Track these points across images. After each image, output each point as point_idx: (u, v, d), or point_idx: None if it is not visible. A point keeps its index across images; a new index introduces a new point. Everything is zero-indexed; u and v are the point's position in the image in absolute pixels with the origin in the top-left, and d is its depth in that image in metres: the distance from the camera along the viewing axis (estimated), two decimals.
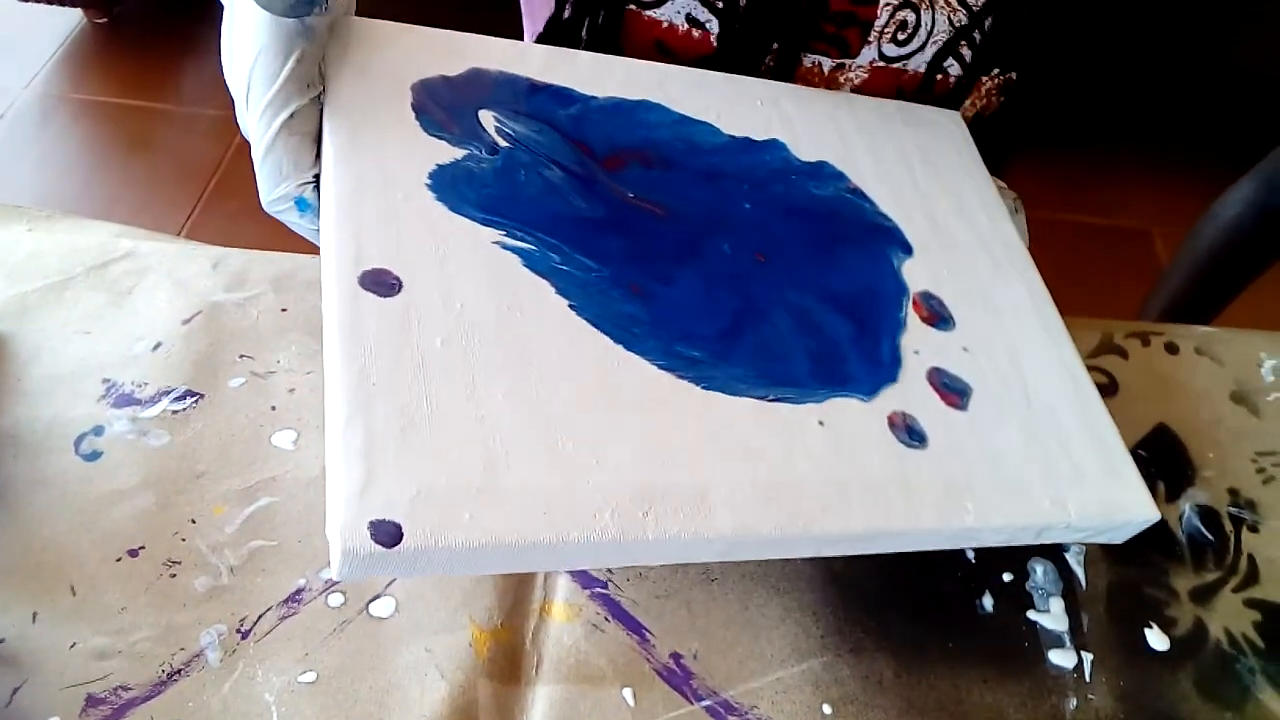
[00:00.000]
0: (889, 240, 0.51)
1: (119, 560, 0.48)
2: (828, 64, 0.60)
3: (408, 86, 0.46)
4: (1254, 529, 0.55)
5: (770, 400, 0.43)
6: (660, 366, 0.42)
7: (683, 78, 0.54)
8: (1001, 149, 0.69)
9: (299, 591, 0.48)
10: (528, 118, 0.48)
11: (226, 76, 0.42)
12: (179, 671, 0.45)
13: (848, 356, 0.46)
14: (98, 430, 0.53)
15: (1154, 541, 0.54)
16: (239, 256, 0.61)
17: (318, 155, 0.42)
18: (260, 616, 0.47)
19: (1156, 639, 0.50)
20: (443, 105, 0.46)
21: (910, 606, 0.50)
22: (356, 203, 0.41)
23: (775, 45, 0.58)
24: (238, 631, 0.46)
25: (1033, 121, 0.74)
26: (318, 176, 0.42)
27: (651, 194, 0.48)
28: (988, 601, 0.51)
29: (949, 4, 0.59)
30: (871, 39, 0.59)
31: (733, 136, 0.52)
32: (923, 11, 0.58)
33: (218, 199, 1.66)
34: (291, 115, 0.41)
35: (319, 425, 0.54)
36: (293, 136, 0.41)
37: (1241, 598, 0.52)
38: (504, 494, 0.35)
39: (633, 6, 0.58)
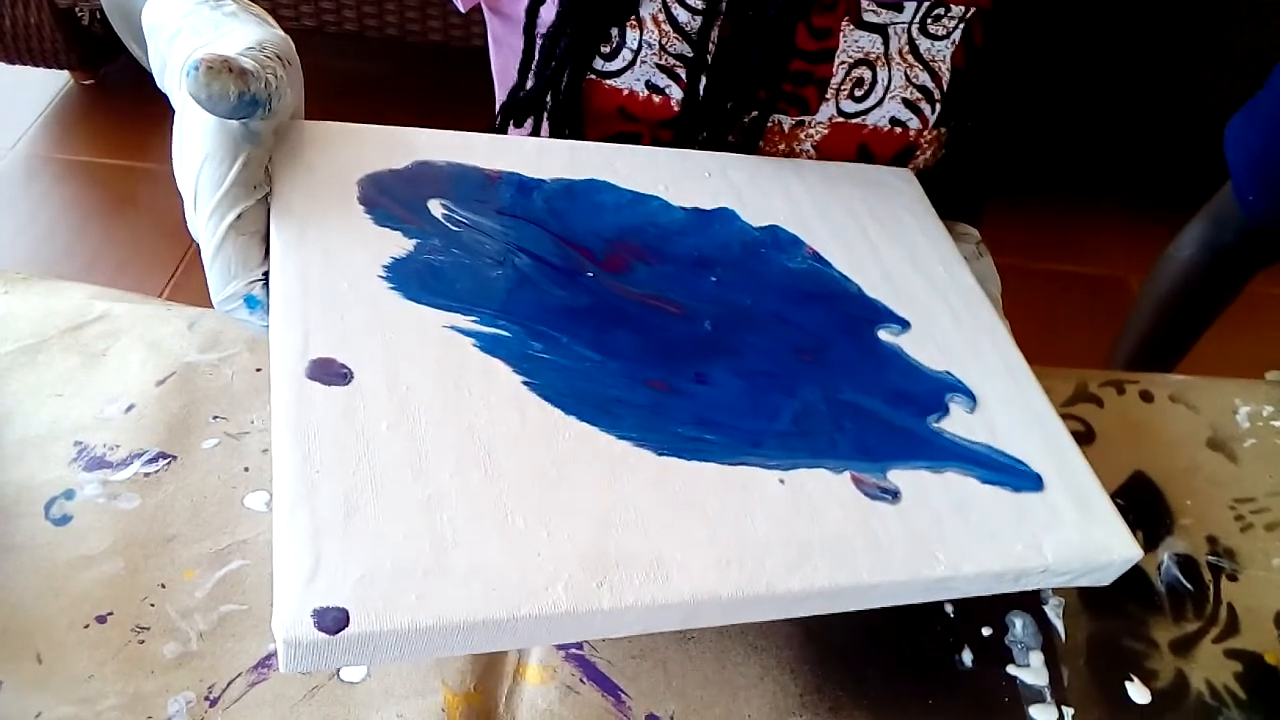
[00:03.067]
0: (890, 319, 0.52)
1: (87, 626, 0.47)
2: (788, 122, 0.61)
3: (354, 182, 0.46)
4: (1233, 578, 0.55)
5: (732, 465, 0.42)
6: (624, 436, 0.41)
7: (629, 155, 0.54)
8: (971, 196, 0.70)
9: (269, 657, 0.47)
10: (478, 203, 0.48)
11: (176, 179, 0.42)
12: None
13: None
14: (68, 494, 0.52)
15: (1133, 592, 0.54)
16: (214, 317, 0.61)
17: (267, 254, 0.43)
18: (229, 683, 0.46)
19: (1137, 692, 0.49)
20: (391, 197, 0.46)
21: (889, 663, 0.49)
22: (303, 294, 0.41)
23: (741, 106, 0.59)
24: (206, 699, 0.45)
25: (1005, 170, 0.75)
26: (267, 274, 0.42)
27: (664, 291, 0.48)
28: (967, 657, 0.50)
29: (905, 60, 0.60)
30: (829, 96, 0.60)
31: (684, 209, 0.53)
32: (879, 69, 0.59)
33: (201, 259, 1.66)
34: (239, 216, 0.41)
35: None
36: (240, 236, 0.42)
37: (1222, 648, 0.52)
38: (452, 573, 0.35)
39: (593, 76, 0.59)
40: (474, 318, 0.43)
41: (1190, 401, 0.63)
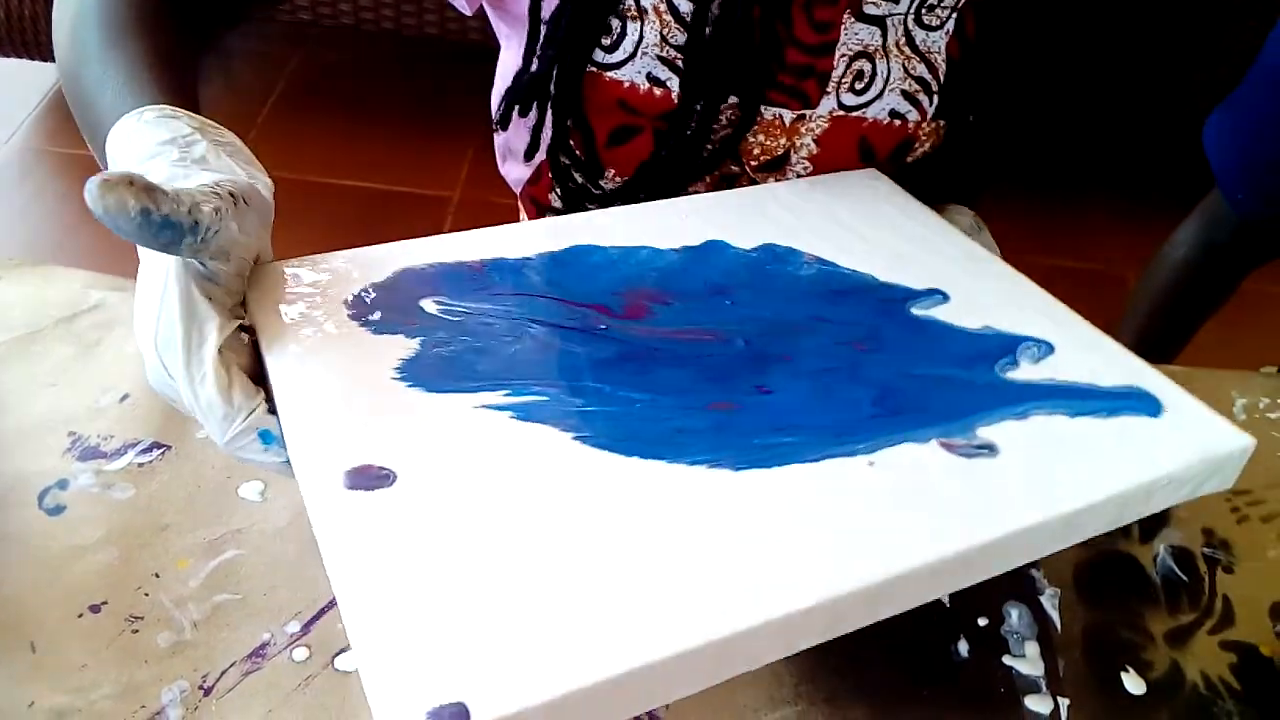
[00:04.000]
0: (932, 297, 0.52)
1: (80, 616, 0.47)
2: (789, 115, 0.60)
3: (340, 303, 0.45)
4: (1228, 570, 0.55)
5: (815, 462, 0.40)
6: (695, 464, 0.39)
7: (605, 217, 0.54)
8: (968, 186, 0.69)
9: (263, 646, 0.47)
10: (472, 292, 0.47)
11: (139, 341, 0.40)
12: None
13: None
14: (62, 484, 0.52)
15: (1128, 583, 0.54)
16: None
17: (261, 390, 0.40)
18: (223, 672, 0.46)
19: (1133, 683, 0.49)
20: (382, 307, 0.45)
21: (885, 653, 0.49)
22: (319, 411, 0.39)
23: (734, 99, 0.59)
24: (200, 688, 0.45)
25: (1004, 161, 0.75)
26: (272, 404, 0.39)
27: (690, 323, 0.47)
28: (963, 647, 0.50)
29: (903, 53, 0.60)
30: (830, 90, 0.60)
31: (674, 250, 0.52)
32: (878, 61, 0.59)
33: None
34: (219, 350, 0.39)
35: (288, 475, 0.53)
36: (227, 369, 0.39)
37: (1217, 640, 0.52)
38: (565, 641, 0.32)
39: (594, 69, 0.59)
40: (504, 391, 0.41)
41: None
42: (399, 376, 0.41)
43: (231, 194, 0.40)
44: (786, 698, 0.47)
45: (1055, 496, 0.40)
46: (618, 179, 0.63)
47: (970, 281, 0.52)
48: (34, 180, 1.81)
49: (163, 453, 0.54)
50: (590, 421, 0.40)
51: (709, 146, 0.61)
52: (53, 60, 1.92)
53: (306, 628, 0.48)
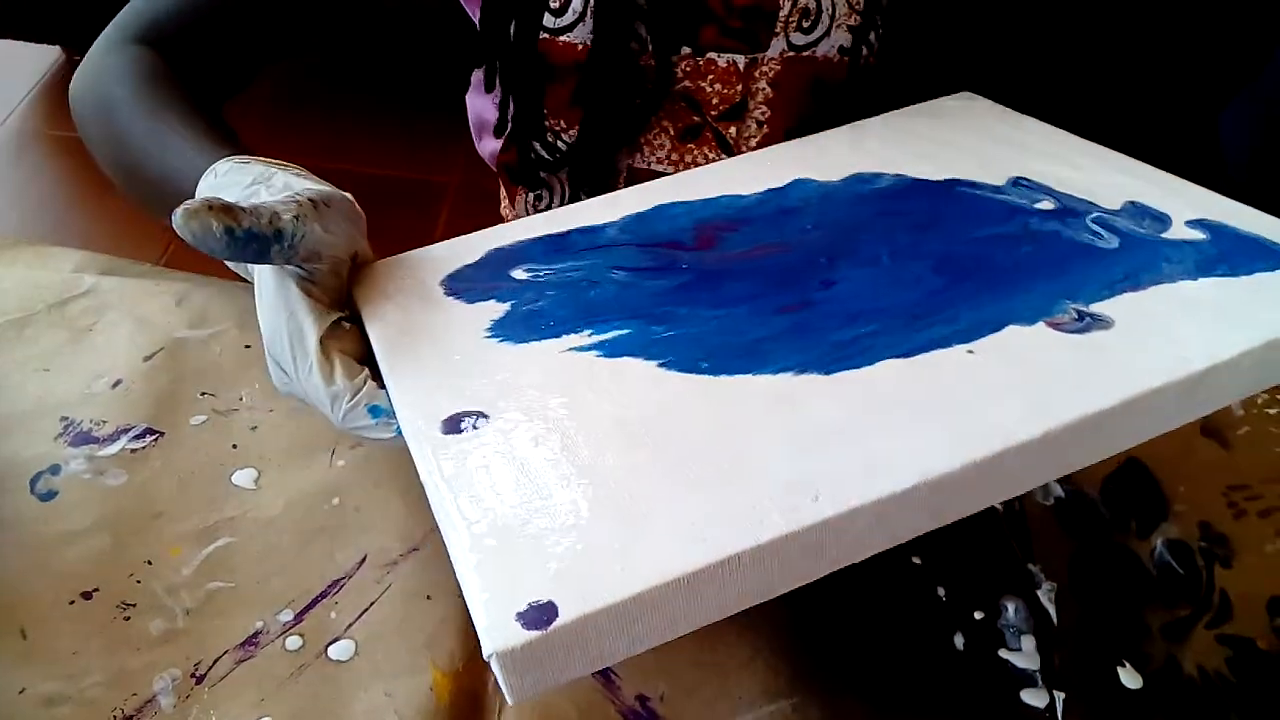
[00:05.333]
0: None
1: (72, 603, 0.47)
2: (742, 61, 0.61)
3: (436, 284, 0.47)
4: (1225, 564, 0.55)
5: (907, 357, 0.39)
6: (780, 370, 0.39)
7: (689, 177, 0.54)
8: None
9: (256, 634, 0.46)
10: (558, 255, 0.48)
11: (268, 351, 0.43)
12: (131, 718, 0.43)
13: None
14: (54, 469, 0.52)
15: (1125, 577, 0.54)
16: (203, 292, 0.61)
17: (372, 367, 0.43)
18: (216, 660, 0.46)
19: (1129, 677, 0.49)
20: (475, 281, 0.47)
21: (881, 645, 0.49)
22: (418, 374, 0.41)
23: (687, 49, 0.60)
24: (192, 676, 0.45)
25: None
26: (379, 382, 0.42)
27: (762, 240, 0.47)
28: (959, 640, 0.50)
29: None
30: (778, 30, 0.61)
31: (757, 193, 0.52)
32: None
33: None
34: (320, 341, 0.42)
35: (280, 464, 0.53)
36: (334, 356, 0.42)
37: (1214, 634, 0.52)
38: (650, 536, 0.32)
39: (546, 35, 0.60)
40: (588, 332, 0.42)
41: None
42: (489, 335, 0.43)
43: (311, 200, 0.42)
44: (782, 690, 0.47)
45: (1180, 359, 0.37)
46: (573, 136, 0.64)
47: (1069, 171, 0.50)
48: (30, 161, 1.80)
49: (156, 439, 0.54)
50: (672, 346, 0.41)
51: (638, 99, 0.61)
52: (49, 43, 1.88)
53: (300, 616, 0.47)
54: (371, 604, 0.48)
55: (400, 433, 0.40)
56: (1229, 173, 1.00)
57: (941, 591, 0.52)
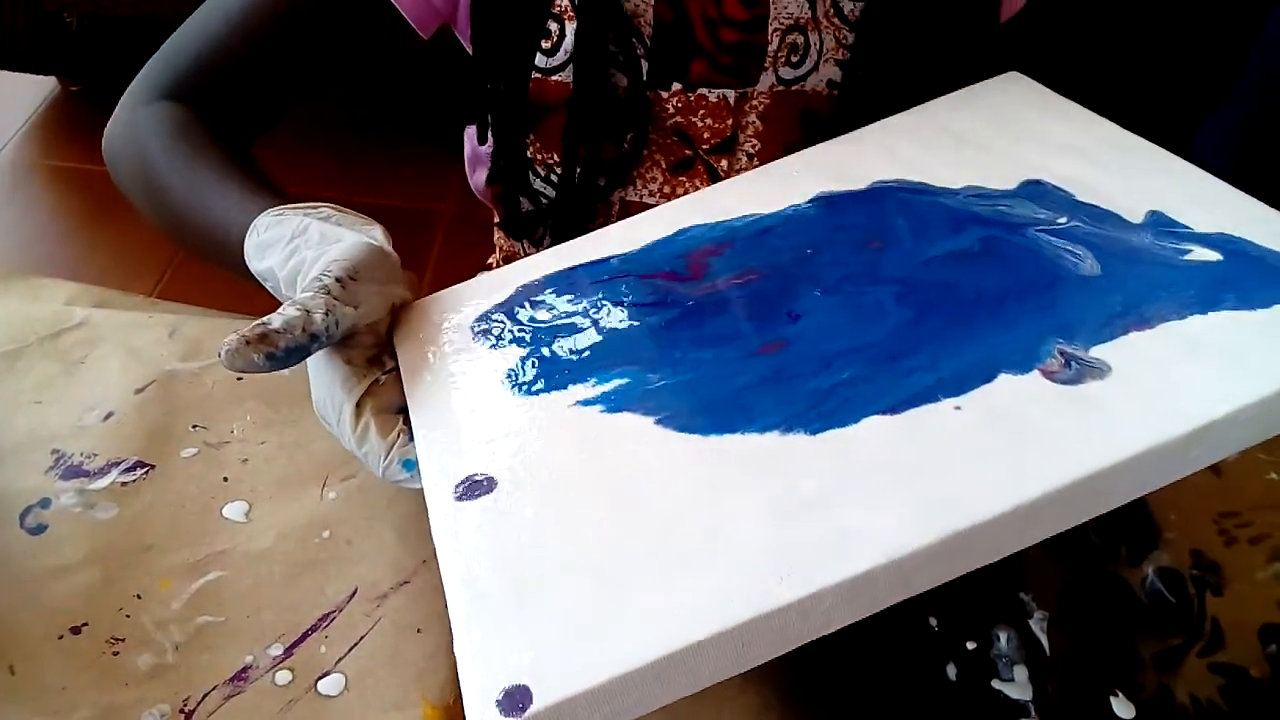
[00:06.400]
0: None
1: (61, 637, 0.47)
2: (732, 96, 0.62)
3: (466, 328, 0.48)
4: (1217, 592, 0.55)
5: (894, 413, 0.38)
6: (767, 429, 0.39)
7: (715, 193, 0.54)
8: None
9: (245, 669, 0.46)
10: (573, 293, 0.49)
11: (318, 415, 0.47)
12: None
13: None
14: (44, 503, 0.52)
15: (1117, 606, 0.54)
16: (196, 324, 0.61)
17: (405, 417, 0.45)
18: (205, 696, 0.45)
19: (1122, 707, 0.49)
20: (499, 324, 0.48)
21: (873, 677, 0.49)
22: (440, 429, 0.43)
23: (678, 85, 0.61)
24: (181, 712, 0.45)
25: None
26: (411, 437, 0.44)
27: (742, 266, 0.48)
28: (951, 670, 0.50)
29: (833, 23, 0.61)
30: (767, 65, 0.61)
31: (775, 212, 0.51)
32: (810, 33, 0.61)
33: (189, 263, 1.65)
34: (359, 403, 0.45)
35: (271, 496, 0.53)
36: (367, 417, 0.45)
37: (1206, 663, 0.52)
38: (626, 621, 0.34)
39: (538, 74, 0.61)
40: (592, 380, 0.43)
41: None
42: (506, 384, 0.45)
43: (339, 279, 0.45)
44: None
45: (1175, 415, 0.35)
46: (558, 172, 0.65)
47: (1095, 171, 0.48)
48: (24, 193, 1.80)
49: (146, 472, 0.54)
50: (667, 398, 0.42)
51: (625, 145, 0.63)
52: (45, 73, 1.89)
53: (289, 651, 0.47)
54: (362, 638, 0.48)
55: None
56: None
57: (933, 621, 0.52)
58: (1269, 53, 0.92)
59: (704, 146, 0.64)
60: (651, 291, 0.48)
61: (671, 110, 0.62)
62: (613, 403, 0.42)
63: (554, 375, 0.44)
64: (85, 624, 0.47)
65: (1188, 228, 0.44)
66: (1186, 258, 0.42)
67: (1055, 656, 0.51)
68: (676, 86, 0.61)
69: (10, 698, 0.44)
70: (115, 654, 0.46)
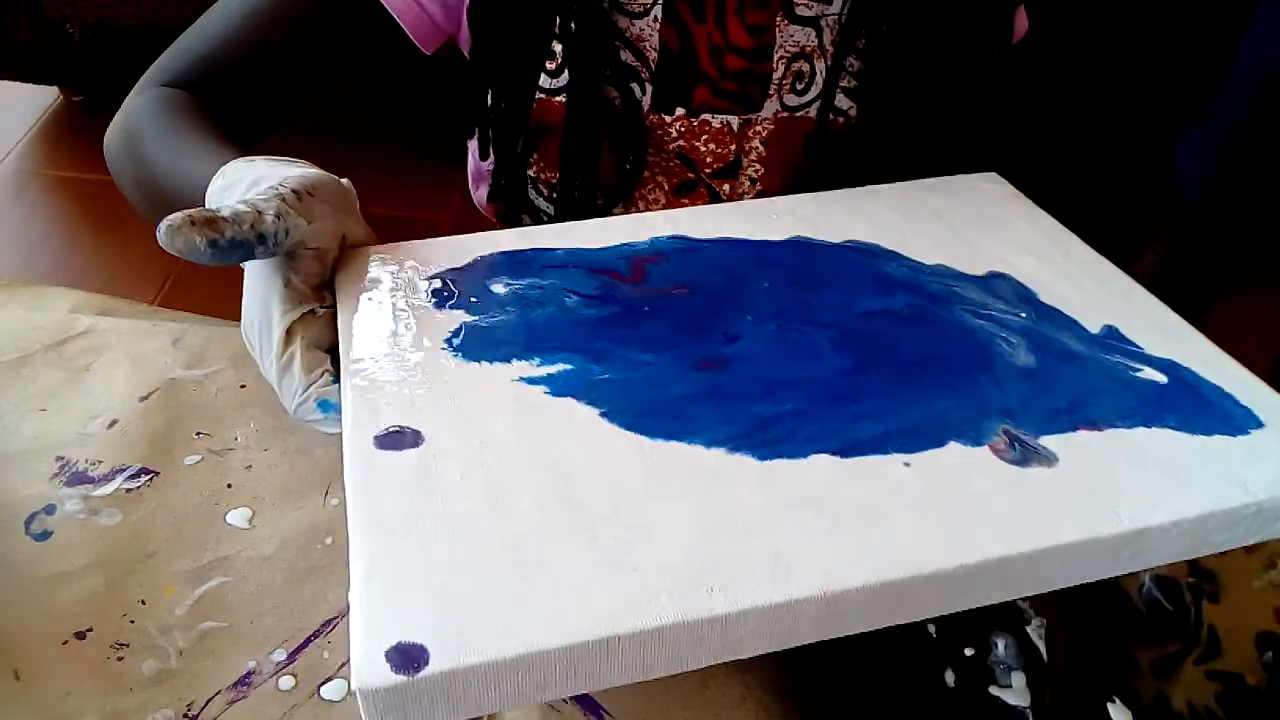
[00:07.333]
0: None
1: (65, 643, 0.47)
2: (735, 121, 0.62)
3: (416, 283, 0.47)
4: (1214, 599, 0.55)
5: (843, 457, 0.39)
6: (713, 444, 0.39)
7: (691, 215, 0.54)
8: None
9: (249, 674, 0.47)
10: (541, 269, 0.49)
11: (243, 333, 0.44)
12: None
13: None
14: (49, 509, 0.52)
15: (1114, 613, 0.54)
16: (200, 332, 0.61)
17: (334, 359, 0.43)
18: (208, 701, 0.46)
19: (1119, 714, 0.49)
20: (452, 287, 0.47)
21: (871, 684, 0.49)
22: (371, 376, 0.41)
23: (681, 109, 0.61)
24: (185, 716, 0.45)
25: (973, 150, 0.75)
26: (336, 378, 0.43)
27: (675, 279, 0.49)
28: (949, 677, 0.50)
29: (830, 51, 0.62)
30: (772, 92, 0.62)
31: (750, 241, 0.52)
32: (815, 61, 0.62)
33: (190, 272, 1.66)
34: (289, 330, 0.42)
35: (274, 502, 0.53)
36: (302, 347, 0.42)
37: (1203, 670, 0.52)
38: (540, 600, 0.32)
39: (542, 95, 0.61)
40: (536, 360, 0.43)
41: None
42: (446, 346, 0.43)
43: (295, 191, 0.43)
44: None
45: (1110, 514, 0.37)
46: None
47: (1063, 283, 0.50)
48: (28, 202, 1.81)
49: (150, 479, 0.54)
50: (610, 393, 0.41)
51: (626, 163, 0.63)
52: (47, 83, 1.90)
53: (293, 656, 0.47)
54: None
55: None
56: (1186, 199, 1.03)
57: (931, 628, 0.52)
58: (1246, 68, 0.94)
59: (706, 170, 0.64)
60: (598, 286, 0.48)
61: (674, 134, 0.63)
62: (558, 386, 0.42)
63: (498, 347, 0.43)
64: (89, 630, 0.48)
65: (1139, 348, 0.46)
66: (1136, 374, 0.45)
67: (1053, 663, 0.51)
68: (680, 111, 0.62)
69: (15, 703, 0.45)
70: (120, 659, 0.47)
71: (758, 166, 0.64)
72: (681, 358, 0.43)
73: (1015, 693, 0.50)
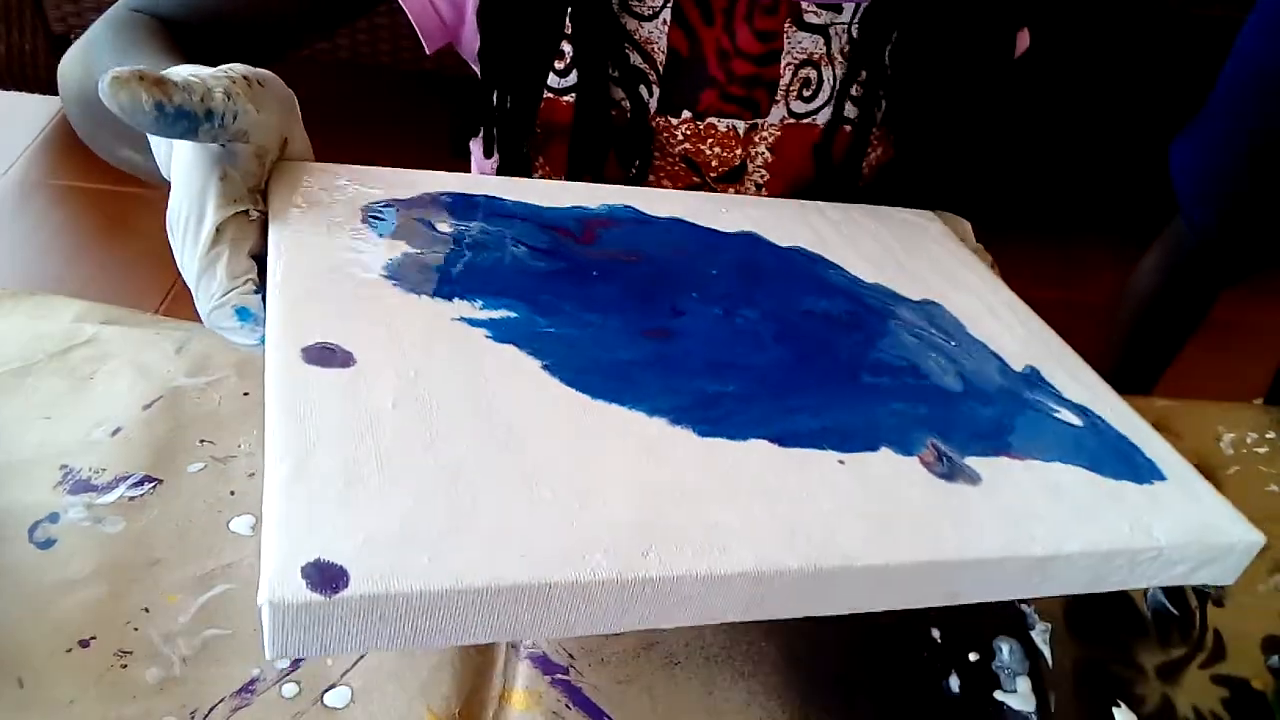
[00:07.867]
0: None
1: (69, 651, 0.47)
2: (742, 126, 0.62)
3: (357, 206, 0.46)
4: (1219, 604, 0.55)
5: (781, 445, 0.39)
6: (655, 413, 0.39)
7: (646, 193, 0.55)
8: (937, 191, 0.71)
9: (252, 682, 0.47)
10: (489, 216, 0.48)
11: (167, 226, 0.41)
12: None
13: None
14: (53, 517, 0.52)
15: (1119, 618, 0.54)
16: (203, 340, 0.61)
17: (259, 270, 0.41)
18: (212, 708, 0.46)
19: (1124, 718, 0.49)
20: (395, 216, 0.46)
21: (876, 688, 0.49)
22: (302, 291, 0.39)
23: (688, 112, 0.62)
24: None
25: (971, 167, 0.75)
26: (258, 288, 0.41)
27: (623, 246, 0.49)
28: (954, 682, 0.50)
29: (847, 59, 0.62)
30: (779, 98, 0.62)
31: (703, 227, 0.53)
32: (823, 69, 0.62)
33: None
34: (219, 228, 0.40)
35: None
36: (226, 246, 0.40)
37: (1208, 674, 0.52)
38: (473, 536, 0.31)
39: (550, 94, 0.61)
40: (479, 302, 0.42)
41: (1173, 427, 0.63)
42: (386, 274, 0.42)
43: (245, 77, 0.41)
44: None
45: (1028, 538, 0.38)
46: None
47: (988, 318, 0.53)
48: (32, 212, 1.81)
49: (154, 486, 0.54)
50: (555, 347, 0.41)
51: (634, 165, 0.63)
52: (52, 94, 1.90)
53: (296, 663, 0.47)
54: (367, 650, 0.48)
55: (264, 342, 0.38)
56: (1178, 199, 1.03)
57: (936, 633, 0.52)
58: (1240, 68, 0.94)
59: (712, 175, 0.64)
60: (548, 240, 0.48)
61: (680, 137, 0.63)
62: (500, 332, 0.41)
63: (440, 284, 0.42)
64: (93, 637, 0.48)
65: (1058, 391, 0.49)
66: (1054, 414, 0.47)
67: (1058, 668, 0.51)
68: (686, 115, 0.62)
69: (20, 711, 0.45)
70: (123, 667, 0.47)
71: (763, 172, 0.64)
72: (629, 323, 0.43)
73: (1020, 697, 0.50)
